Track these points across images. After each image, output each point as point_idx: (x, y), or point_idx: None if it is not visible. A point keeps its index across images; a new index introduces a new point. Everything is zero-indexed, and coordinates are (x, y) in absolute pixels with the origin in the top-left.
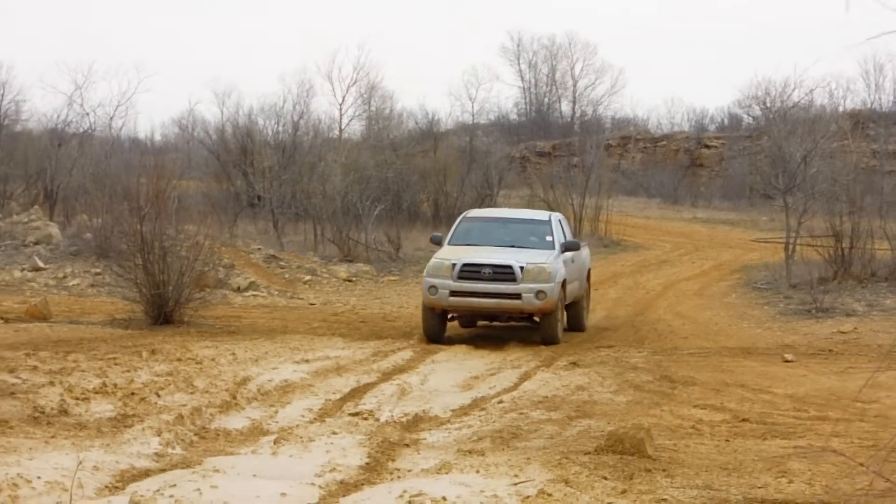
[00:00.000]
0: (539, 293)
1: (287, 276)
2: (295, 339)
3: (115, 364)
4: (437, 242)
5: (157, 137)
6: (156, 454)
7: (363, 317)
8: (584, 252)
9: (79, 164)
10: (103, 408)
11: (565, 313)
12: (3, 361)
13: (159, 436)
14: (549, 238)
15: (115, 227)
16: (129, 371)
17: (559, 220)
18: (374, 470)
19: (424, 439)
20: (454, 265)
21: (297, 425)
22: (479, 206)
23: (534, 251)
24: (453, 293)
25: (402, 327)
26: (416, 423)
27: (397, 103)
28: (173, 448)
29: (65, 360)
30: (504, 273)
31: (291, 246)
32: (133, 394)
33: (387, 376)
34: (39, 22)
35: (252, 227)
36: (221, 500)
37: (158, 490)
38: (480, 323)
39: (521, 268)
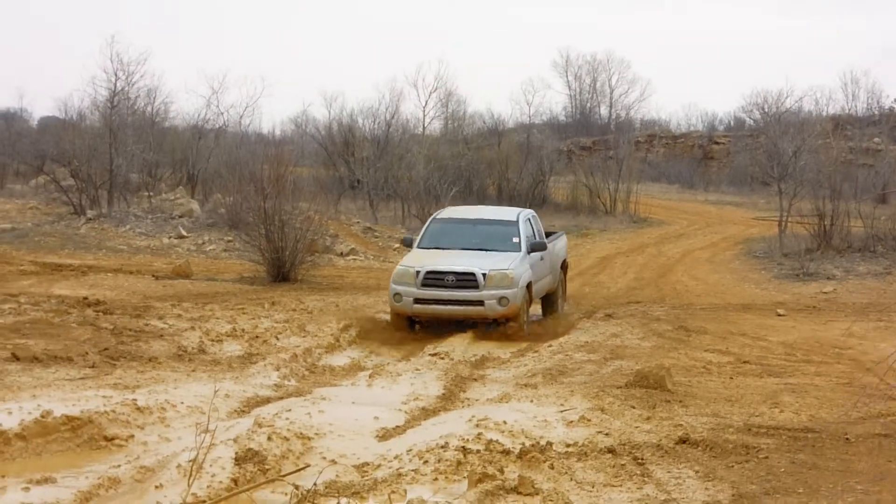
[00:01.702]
0: (502, 299)
1: (380, 244)
2: (386, 294)
3: (243, 313)
4: (409, 245)
5: (277, 132)
6: (275, 385)
7: None
8: (560, 243)
9: (214, 153)
10: (233, 348)
11: (538, 304)
12: (154, 310)
13: (278, 371)
14: (515, 240)
15: (243, 203)
16: (254, 319)
17: (528, 219)
18: (448, 399)
19: (489, 375)
20: (418, 273)
21: (388, 363)
22: (534, 191)
23: (499, 255)
24: (417, 300)
25: None
26: (482, 362)
27: (469, 106)
28: (289, 381)
29: (203, 309)
30: (467, 280)
31: (384, 220)
32: (257, 337)
33: None
34: (183, 38)
35: (352, 205)
36: (327, 422)
37: (277, 414)
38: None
39: (484, 274)
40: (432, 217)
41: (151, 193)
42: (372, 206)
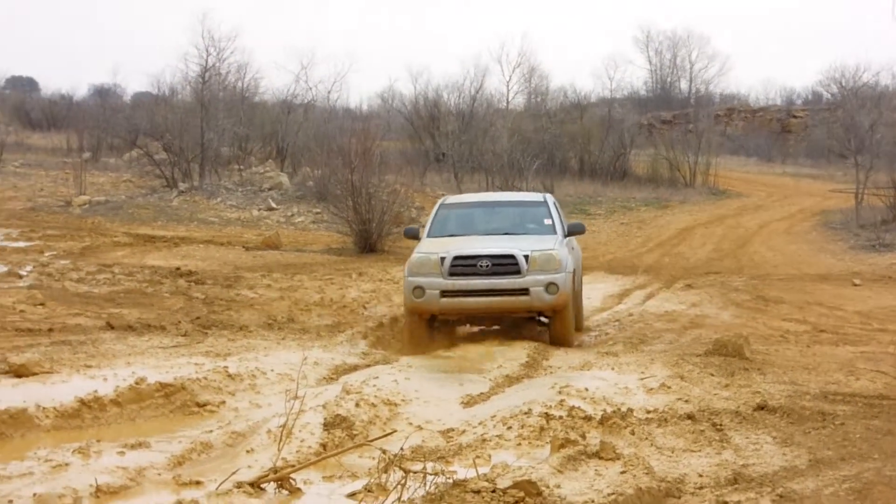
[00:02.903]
0: (550, 285)
1: None
2: None
3: (331, 283)
4: (414, 236)
5: (364, 107)
6: (362, 353)
7: None
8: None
9: (303, 128)
10: (321, 317)
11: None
12: (244, 280)
13: (365, 339)
14: (547, 221)
15: (331, 176)
16: (341, 289)
17: (554, 203)
18: (532, 367)
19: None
20: (443, 259)
21: (474, 332)
22: (615, 164)
23: (535, 237)
24: (445, 293)
25: None
26: None
27: (552, 81)
28: (376, 348)
29: (292, 279)
30: (505, 264)
31: (469, 191)
32: (345, 306)
33: None
34: (273, 15)
35: (437, 178)
36: (413, 388)
37: (364, 381)
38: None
39: (526, 256)
40: (439, 203)
41: (241, 167)
42: (457, 179)
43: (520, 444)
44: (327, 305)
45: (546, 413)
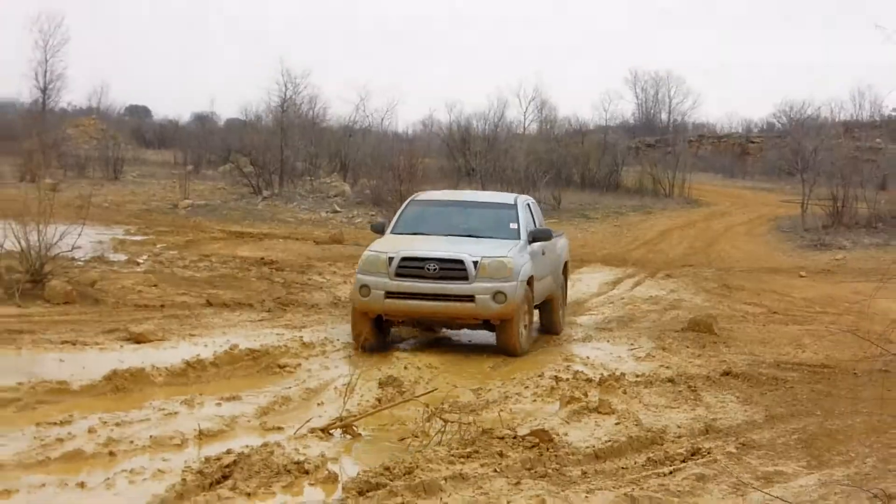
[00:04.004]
0: (497, 294)
1: None
2: None
3: None
4: (380, 231)
5: (410, 132)
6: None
7: None
8: (561, 242)
9: (361, 147)
10: None
11: (534, 314)
12: (315, 268)
13: None
14: (513, 226)
15: (384, 186)
16: None
17: (527, 204)
18: (543, 339)
19: (575, 321)
20: (391, 259)
21: None
22: (609, 178)
23: (494, 242)
24: (389, 294)
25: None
26: (570, 310)
27: (559, 112)
28: None
29: (352, 268)
30: (453, 269)
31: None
32: None
33: None
34: (337, 56)
35: (468, 187)
36: (450, 356)
37: (398, 354)
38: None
39: (475, 262)
40: (410, 199)
41: (312, 178)
42: (483, 188)
43: (535, 401)
44: None
45: (556, 376)
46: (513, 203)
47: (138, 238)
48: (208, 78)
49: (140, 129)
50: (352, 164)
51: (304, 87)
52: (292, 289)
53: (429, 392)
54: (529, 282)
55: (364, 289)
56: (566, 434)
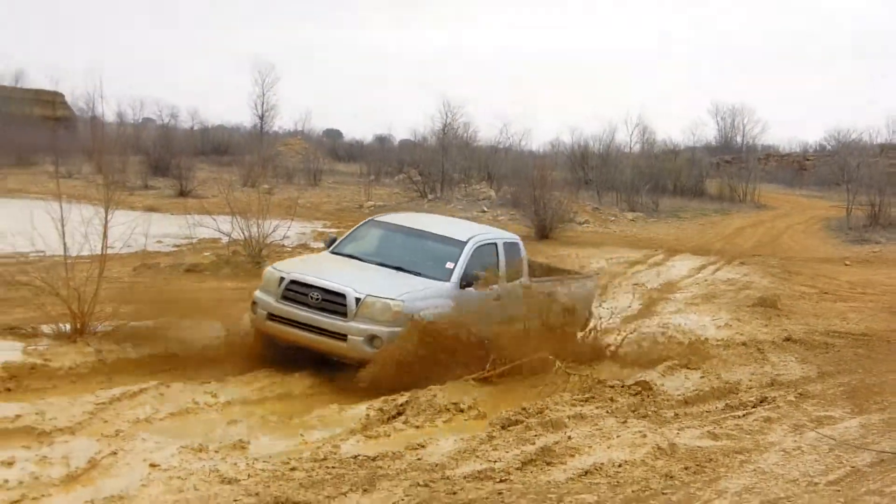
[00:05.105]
0: (374, 338)
1: (603, 217)
2: (606, 247)
3: None
4: (329, 245)
5: (541, 150)
6: None
7: (640, 238)
8: (572, 288)
9: (504, 161)
10: None
11: None
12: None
13: None
14: (448, 265)
15: (522, 192)
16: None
17: (484, 246)
18: (644, 312)
19: (670, 297)
20: (281, 280)
21: (606, 287)
22: (696, 187)
23: (414, 280)
24: (271, 316)
25: (657, 241)
26: (666, 288)
27: (657, 135)
28: None
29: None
30: (335, 302)
31: (605, 203)
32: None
33: (651, 266)
34: (486, 88)
35: (586, 194)
36: None
37: None
38: None
39: (358, 299)
40: (369, 219)
41: (466, 185)
42: (598, 195)
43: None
44: None
45: (654, 339)
46: (464, 241)
47: (333, 230)
48: (386, 107)
49: (334, 147)
50: (496, 174)
51: (461, 115)
52: None
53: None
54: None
55: (254, 305)
56: (662, 384)
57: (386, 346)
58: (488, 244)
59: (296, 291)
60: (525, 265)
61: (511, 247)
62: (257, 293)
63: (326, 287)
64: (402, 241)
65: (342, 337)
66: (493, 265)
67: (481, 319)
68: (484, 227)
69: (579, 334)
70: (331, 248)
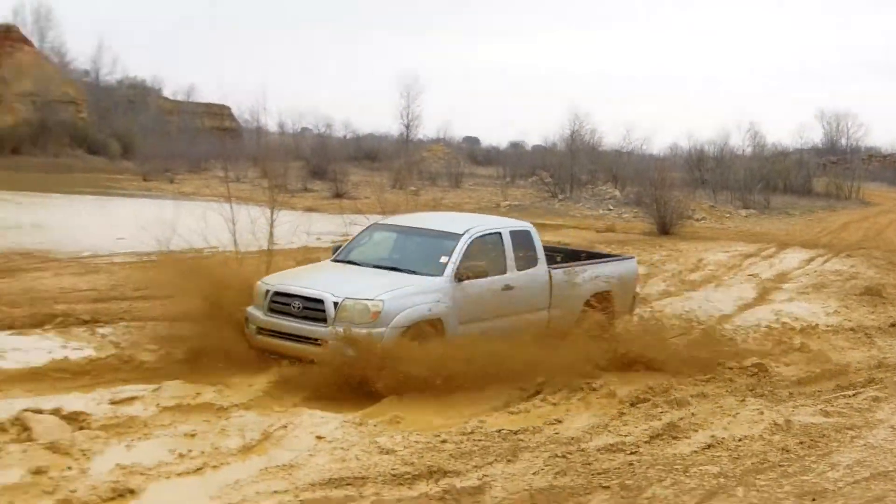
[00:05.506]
0: (354, 342)
1: (718, 214)
2: (722, 241)
3: (643, 251)
4: (334, 253)
5: (661, 153)
6: (663, 291)
7: (753, 232)
8: (606, 271)
9: (627, 164)
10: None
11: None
12: (595, 248)
13: (664, 282)
14: (443, 259)
15: (644, 191)
16: (647, 254)
17: (486, 236)
18: (759, 299)
19: (782, 287)
20: (267, 293)
21: (723, 277)
22: (805, 186)
23: (404, 277)
24: (260, 330)
25: (769, 236)
26: (779, 279)
27: (767, 139)
28: (668, 286)
29: (622, 248)
30: (315, 309)
31: (721, 201)
32: (652, 264)
33: (764, 258)
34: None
35: (702, 193)
36: (686, 307)
37: (664, 304)
38: None
39: (335, 303)
40: (373, 222)
41: (592, 186)
42: (713, 194)
43: (754, 342)
44: (642, 263)
45: (768, 325)
46: (459, 233)
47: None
48: (520, 116)
49: (473, 152)
50: (621, 176)
51: (587, 124)
52: None
53: (680, 334)
54: (432, 327)
55: (246, 321)
56: (777, 366)
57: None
58: (490, 234)
59: (280, 303)
60: (540, 253)
61: (521, 235)
62: (249, 308)
63: (305, 294)
64: (401, 241)
65: (321, 343)
66: (498, 255)
67: (489, 310)
68: (492, 217)
69: (626, 317)
70: (335, 256)
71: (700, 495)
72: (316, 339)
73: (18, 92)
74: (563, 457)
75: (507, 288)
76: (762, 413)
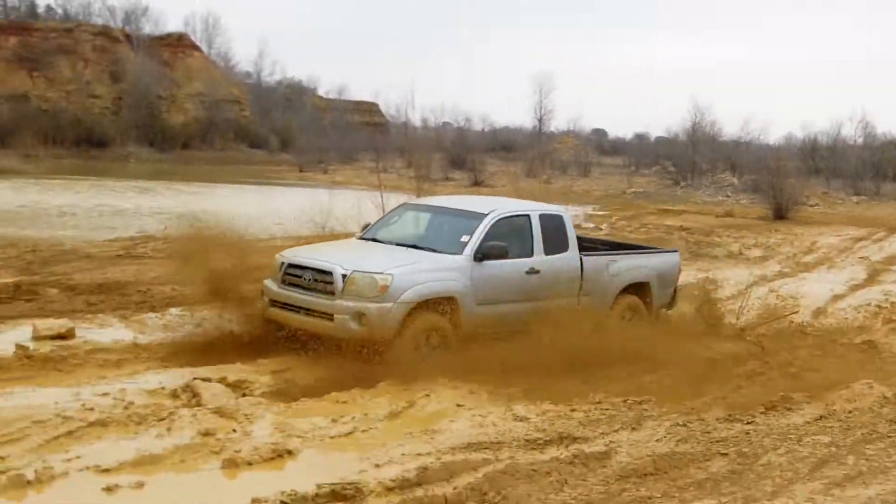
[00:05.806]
0: (360, 316)
1: (831, 200)
2: (834, 226)
3: (759, 235)
4: (363, 230)
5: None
6: (778, 272)
7: (864, 217)
8: (644, 262)
9: (745, 153)
10: (754, 252)
11: None
12: (715, 233)
13: (780, 264)
14: (464, 238)
15: (761, 179)
16: (763, 238)
17: (511, 217)
18: (868, 280)
19: (891, 269)
20: (282, 265)
21: (834, 259)
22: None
23: (422, 255)
24: (273, 303)
25: (879, 221)
26: (888, 261)
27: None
28: (783, 268)
29: (738, 232)
30: (323, 281)
31: (833, 188)
32: (769, 247)
33: (874, 242)
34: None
35: (815, 181)
36: (803, 288)
37: (778, 285)
38: None
39: (344, 276)
40: (403, 202)
41: (712, 174)
42: (826, 181)
43: (864, 320)
44: (759, 246)
45: (878, 304)
46: (484, 213)
47: (601, 212)
48: (645, 109)
49: (600, 143)
50: (739, 164)
51: (709, 116)
52: (700, 246)
53: (792, 312)
54: (448, 304)
55: (262, 294)
56: (886, 342)
57: (376, 325)
58: (517, 216)
59: (292, 275)
60: (571, 239)
61: (551, 219)
62: (266, 281)
63: (315, 266)
64: (427, 220)
65: (329, 316)
66: (524, 238)
67: (511, 293)
68: (523, 201)
69: (663, 311)
70: (361, 234)
71: (812, 463)
72: (329, 315)
73: (189, 93)
74: (684, 425)
75: (533, 271)
76: (872, 386)
